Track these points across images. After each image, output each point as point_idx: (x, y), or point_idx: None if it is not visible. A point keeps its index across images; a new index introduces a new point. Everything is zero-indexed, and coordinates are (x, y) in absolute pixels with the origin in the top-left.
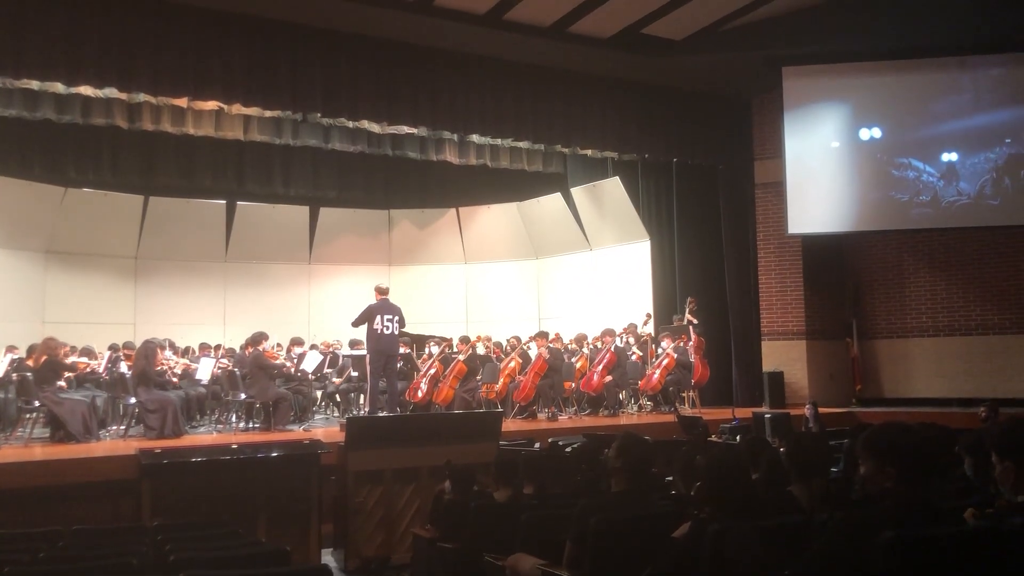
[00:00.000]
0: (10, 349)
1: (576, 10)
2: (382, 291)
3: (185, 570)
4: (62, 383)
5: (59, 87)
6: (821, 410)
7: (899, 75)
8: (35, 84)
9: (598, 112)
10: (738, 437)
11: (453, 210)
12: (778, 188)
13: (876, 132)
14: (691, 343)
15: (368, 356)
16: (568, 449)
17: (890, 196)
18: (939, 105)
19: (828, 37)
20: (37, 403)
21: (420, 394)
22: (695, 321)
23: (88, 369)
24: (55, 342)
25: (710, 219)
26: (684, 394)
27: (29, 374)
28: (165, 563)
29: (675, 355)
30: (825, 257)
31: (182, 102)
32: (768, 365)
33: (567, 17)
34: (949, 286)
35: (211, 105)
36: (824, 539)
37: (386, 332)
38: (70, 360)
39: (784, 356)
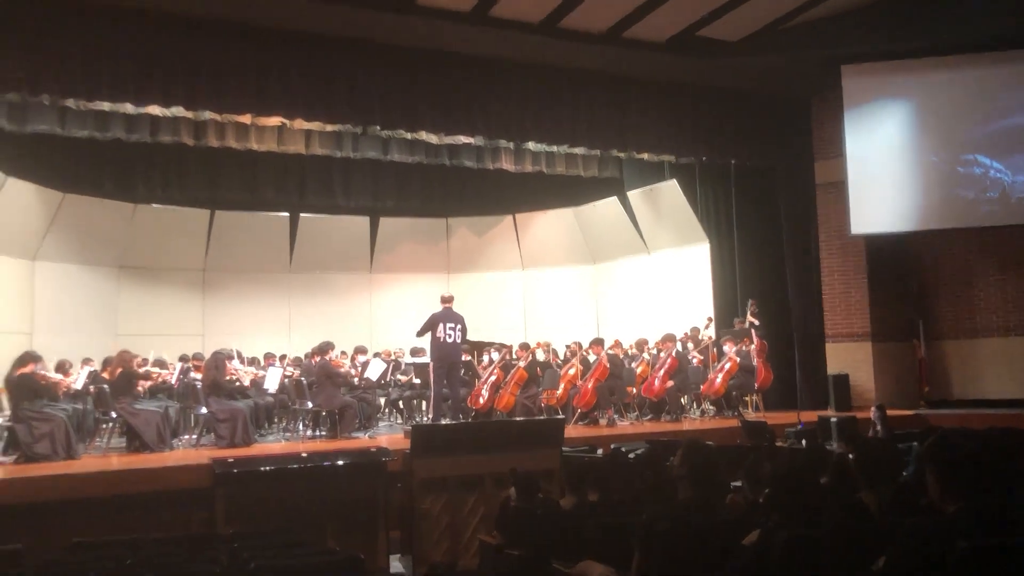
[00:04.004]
0: (86, 362)
1: (631, 15)
2: (446, 300)
3: None
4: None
5: (129, 107)
6: (888, 412)
7: (962, 70)
8: (106, 105)
9: (654, 116)
10: (803, 441)
11: (510, 217)
12: (839, 188)
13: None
14: (753, 346)
15: (431, 364)
16: (631, 455)
17: (955, 193)
18: (1006, 99)
19: (888, 34)
20: (114, 414)
21: (481, 401)
22: (757, 324)
23: (160, 380)
24: (129, 354)
25: (770, 220)
26: (747, 398)
27: (106, 386)
28: (245, 571)
29: (737, 359)
30: (889, 257)
31: (246, 119)
32: (833, 368)
33: (622, 22)
34: (1020, 283)
35: (274, 121)
36: (895, 548)
37: (448, 340)
38: (143, 371)
39: (849, 358)
